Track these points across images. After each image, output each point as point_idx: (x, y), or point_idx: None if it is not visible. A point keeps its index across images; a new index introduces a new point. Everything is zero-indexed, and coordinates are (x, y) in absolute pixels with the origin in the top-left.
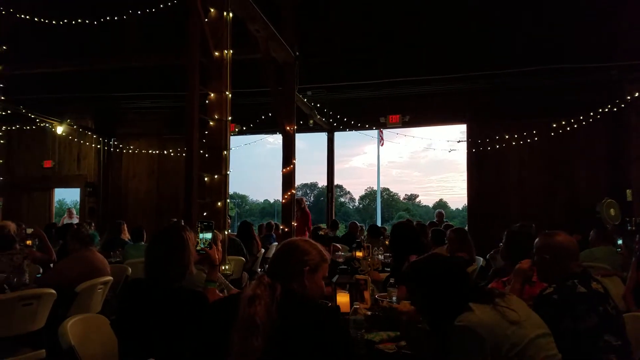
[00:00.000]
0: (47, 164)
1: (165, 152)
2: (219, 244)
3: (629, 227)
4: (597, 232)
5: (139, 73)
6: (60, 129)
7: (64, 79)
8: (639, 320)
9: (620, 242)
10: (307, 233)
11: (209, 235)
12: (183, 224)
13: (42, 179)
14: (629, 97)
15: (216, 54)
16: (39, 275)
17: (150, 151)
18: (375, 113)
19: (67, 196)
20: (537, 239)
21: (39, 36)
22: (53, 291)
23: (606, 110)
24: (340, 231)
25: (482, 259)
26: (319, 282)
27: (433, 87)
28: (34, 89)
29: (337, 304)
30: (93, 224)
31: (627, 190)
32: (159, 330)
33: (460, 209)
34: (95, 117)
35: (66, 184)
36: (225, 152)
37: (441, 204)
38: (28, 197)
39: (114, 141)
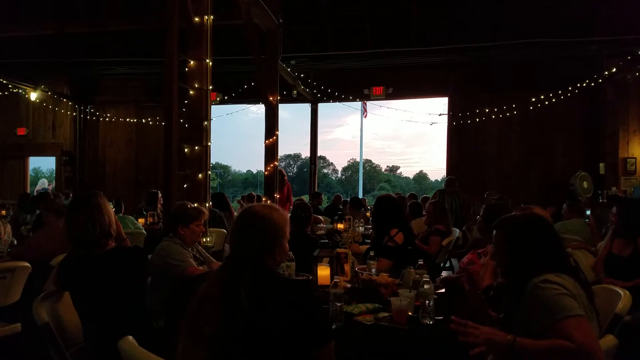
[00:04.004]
0: (21, 131)
1: (143, 120)
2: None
3: (601, 200)
4: (570, 205)
5: (116, 38)
6: (34, 96)
7: (38, 43)
8: (607, 291)
9: (588, 212)
10: (289, 205)
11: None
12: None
13: (16, 146)
14: (606, 73)
15: (196, 19)
16: (10, 250)
17: (128, 119)
18: (359, 84)
19: (43, 165)
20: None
21: None
22: (27, 264)
23: (584, 85)
24: (324, 203)
25: (458, 230)
26: (286, 247)
27: (417, 59)
28: (6, 53)
29: (318, 277)
30: (70, 194)
31: (600, 164)
32: (119, 287)
33: (440, 180)
34: (71, 83)
35: (41, 152)
36: (205, 123)
37: (421, 176)
38: (2, 165)
39: (90, 108)
